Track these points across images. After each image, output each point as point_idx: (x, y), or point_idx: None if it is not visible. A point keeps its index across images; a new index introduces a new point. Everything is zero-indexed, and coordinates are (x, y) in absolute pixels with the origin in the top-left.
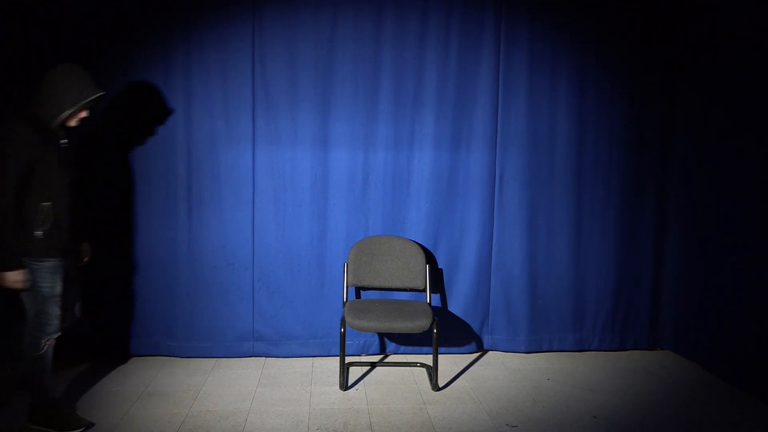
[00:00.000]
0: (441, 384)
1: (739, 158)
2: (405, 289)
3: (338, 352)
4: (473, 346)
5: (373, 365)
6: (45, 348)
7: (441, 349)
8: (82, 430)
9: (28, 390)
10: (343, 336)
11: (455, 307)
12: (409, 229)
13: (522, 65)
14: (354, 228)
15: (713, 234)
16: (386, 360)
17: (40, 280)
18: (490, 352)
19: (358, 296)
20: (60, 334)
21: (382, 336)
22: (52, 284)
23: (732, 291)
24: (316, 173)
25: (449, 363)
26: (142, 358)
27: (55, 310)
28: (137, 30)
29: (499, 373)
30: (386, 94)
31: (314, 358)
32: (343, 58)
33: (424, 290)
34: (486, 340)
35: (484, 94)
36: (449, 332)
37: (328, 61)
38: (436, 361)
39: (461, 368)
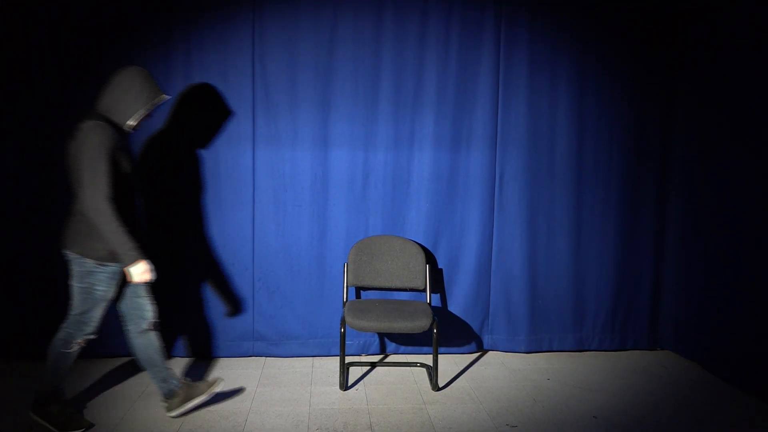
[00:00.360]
0: (441, 384)
1: (739, 158)
2: (405, 289)
3: (338, 352)
4: (473, 346)
5: (373, 365)
6: (75, 348)
7: (441, 349)
8: (82, 431)
9: (42, 380)
10: (343, 336)
11: (455, 307)
12: (409, 229)
13: (522, 65)
14: (354, 228)
15: (713, 234)
16: (386, 360)
17: (97, 284)
18: (490, 352)
19: (358, 296)
20: (95, 337)
21: (382, 336)
22: (107, 289)
23: (732, 291)
24: (316, 173)
25: (449, 363)
26: None
27: (99, 313)
28: (137, 30)
29: (499, 373)
30: (386, 94)
31: (314, 358)
32: (343, 58)
33: (424, 290)
34: (486, 340)
35: (484, 94)
36: (449, 332)
37: (328, 61)
38: (436, 361)
39: (461, 368)
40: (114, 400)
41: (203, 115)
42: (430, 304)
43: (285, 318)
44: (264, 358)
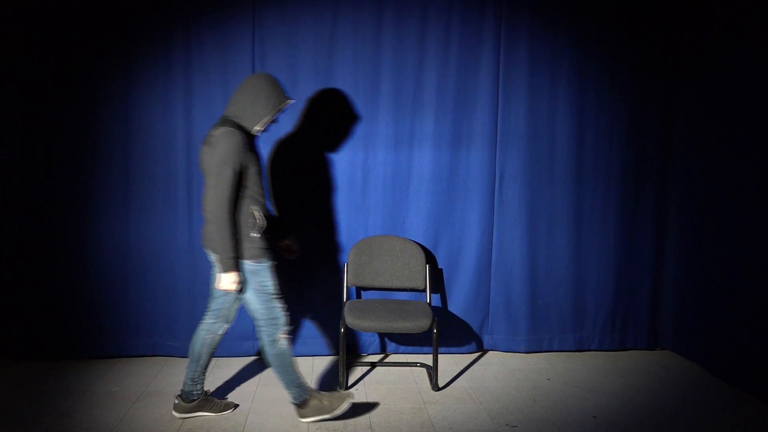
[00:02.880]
0: (441, 384)
1: (739, 158)
2: (405, 289)
3: (338, 352)
4: (473, 346)
5: (373, 365)
6: (282, 342)
7: (441, 349)
8: (348, 396)
9: (287, 386)
10: (343, 336)
11: (455, 307)
12: (409, 229)
13: (522, 65)
14: (354, 228)
15: (713, 234)
16: (386, 360)
17: (265, 280)
18: (490, 352)
19: (358, 296)
20: (291, 327)
21: (382, 336)
22: (274, 282)
23: (732, 291)
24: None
25: (449, 363)
26: (142, 358)
27: (279, 304)
28: (137, 30)
29: (499, 373)
30: (386, 94)
31: (314, 357)
32: (343, 57)
33: (424, 290)
34: (486, 340)
35: (484, 94)
36: (449, 332)
37: (328, 61)
38: (436, 361)
39: (461, 368)
40: (114, 400)
41: (202, 114)
42: (430, 304)
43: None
44: None
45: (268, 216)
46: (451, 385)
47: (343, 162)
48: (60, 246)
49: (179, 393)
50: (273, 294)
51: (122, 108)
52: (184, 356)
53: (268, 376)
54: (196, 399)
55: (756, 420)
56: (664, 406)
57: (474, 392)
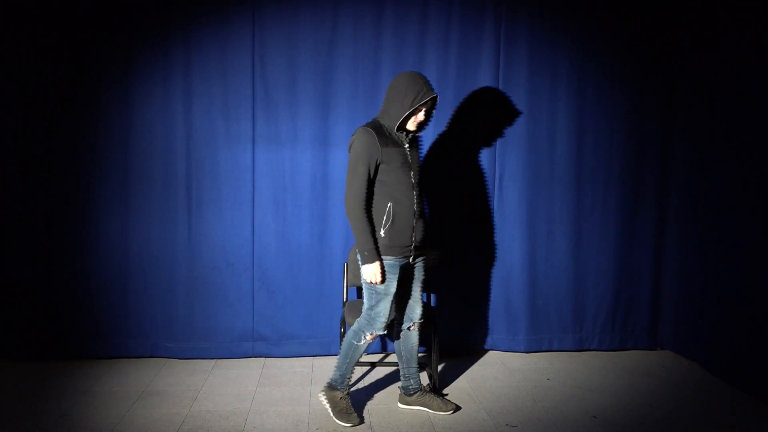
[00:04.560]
0: (441, 384)
1: (739, 158)
2: None
3: (338, 352)
4: (473, 346)
5: (373, 365)
6: (365, 341)
7: (441, 349)
8: (352, 425)
9: (336, 366)
10: (342, 336)
11: (455, 307)
12: None
13: (522, 65)
14: None
15: (713, 234)
16: (386, 360)
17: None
18: (490, 352)
19: (358, 296)
20: (384, 332)
21: (383, 336)
22: (388, 283)
23: (732, 291)
24: (316, 173)
25: (449, 363)
26: (141, 359)
27: (385, 308)
28: (137, 30)
29: (498, 373)
30: None
31: (314, 357)
32: (343, 57)
33: (424, 290)
34: (486, 340)
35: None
36: (449, 332)
37: (328, 61)
38: (436, 361)
39: (461, 368)
40: (114, 400)
41: (201, 114)
42: (429, 304)
43: (285, 318)
44: (264, 358)
45: (402, 214)
46: (451, 385)
47: (343, 162)
48: (60, 246)
49: (400, 389)
50: (382, 294)
51: (122, 108)
52: (183, 357)
53: (268, 375)
54: (413, 392)
55: (756, 420)
56: (664, 406)
57: (474, 392)
